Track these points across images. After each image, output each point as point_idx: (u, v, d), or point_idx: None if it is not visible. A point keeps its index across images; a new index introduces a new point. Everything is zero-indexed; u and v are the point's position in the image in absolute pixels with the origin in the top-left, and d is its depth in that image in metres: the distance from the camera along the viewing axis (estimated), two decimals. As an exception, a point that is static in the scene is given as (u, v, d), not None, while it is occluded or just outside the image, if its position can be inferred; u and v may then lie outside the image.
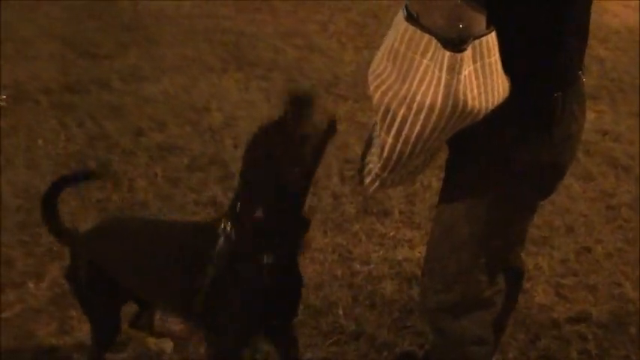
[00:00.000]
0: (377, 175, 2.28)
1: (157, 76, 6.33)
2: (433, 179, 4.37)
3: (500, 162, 2.25)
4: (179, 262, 2.64)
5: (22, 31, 7.40)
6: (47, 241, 3.95)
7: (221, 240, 2.47)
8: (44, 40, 7.15)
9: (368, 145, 2.41)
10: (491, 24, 1.97)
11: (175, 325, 3.42)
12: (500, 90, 2.05)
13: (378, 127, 2.20)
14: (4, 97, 5.76)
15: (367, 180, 2.35)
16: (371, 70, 2.15)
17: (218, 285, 2.52)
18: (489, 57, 1.99)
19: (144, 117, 5.52)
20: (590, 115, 4.90)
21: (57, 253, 3.84)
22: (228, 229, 2.46)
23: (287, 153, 2.35)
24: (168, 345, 3.31)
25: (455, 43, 1.91)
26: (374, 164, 2.29)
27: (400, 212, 4.35)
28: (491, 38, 1.98)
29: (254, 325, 2.66)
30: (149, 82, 6.20)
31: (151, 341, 3.31)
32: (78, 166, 4.81)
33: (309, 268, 3.78)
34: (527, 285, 3.59)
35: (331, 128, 2.38)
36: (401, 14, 2.03)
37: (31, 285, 3.70)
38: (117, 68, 6.46)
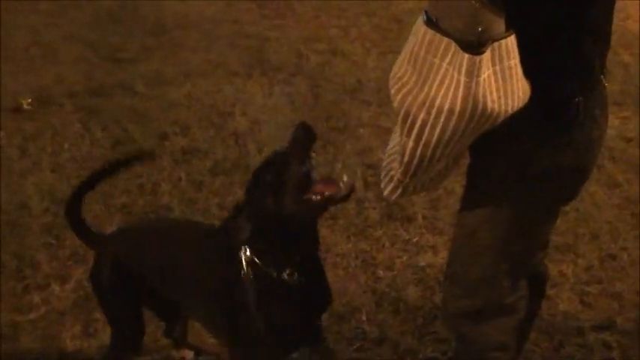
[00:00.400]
0: (399, 182, 2.27)
1: (181, 80, 6.36)
2: (456, 185, 4.35)
3: (521, 166, 2.25)
4: (204, 267, 2.67)
5: (47, 35, 7.46)
6: (72, 244, 3.97)
7: (243, 259, 2.51)
8: (69, 45, 7.21)
9: (389, 154, 2.41)
10: (510, 28, 1.98)
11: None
12: (521, 94, 2.04)
13: (398, 131, 2.19)
14: (30, 100, 5.81)
15: (389, 187, 2.34)
16: (392, 74, 2.15)
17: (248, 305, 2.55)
18: (509, 60, 1.99)
19: (168, 121, 5.55)
20: (614, 122, 4.88)
21: (82, 256, 3.87)
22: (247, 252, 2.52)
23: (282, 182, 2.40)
24: (188, 353, 3.31)
25: (473, 45, 1.92)
26: (395, 170, 2.28)
27: (424, 218, 4.34)
28: (511, 41, 1.98)
29: (282, 340, 2.65)
30: (173, 87, 6.22)
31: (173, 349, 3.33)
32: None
33: (332, 273, 3.77)
34: (551, 292, 3.57)
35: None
36: (421, 19, 2.03)
37: (55, 287, 3.72)
38: (141, 72, 6.50)
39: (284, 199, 2.38)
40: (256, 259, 2.49)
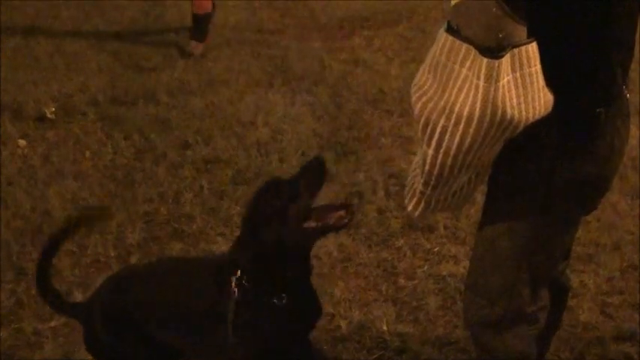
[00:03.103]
0: (421, 194, 2.28)
1: (204, 89, 6.38)
2: (478, 195, 4.29)
3: (542, 176, 2.24)
4: (197, 305, 2.67)
5: (71, 44, 7.50)
6: (94, 252, 4.00)
7: (234, 287, 2.52)
8: (92, 53, 7.25)
9: (413, 168, 2.41)
10: (532, 36, 1.98)
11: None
12: (542, 102, 2.04)
13: (420, 141, 2.20)
14: (53, 109, 5.84)
15: (412, 202, 2.35)
16: (414, 83, 2.16)
17: (237, 327, 2.55)
18: (529, 67, 1.99)
19: (190, 130, 5.57)
20: (637, 132, 4.85)
21: (104, 264, 3.89)
22: (238, 275, 2.53)
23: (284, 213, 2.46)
24: None
25: (492, 50, 1.93)
26: (418, 183, 2.28)
27: (445, 227, 4.33)
28: (532, 48, 1.98)
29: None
30: (196, 96, 6.24)
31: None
32: (125, 179, 4.86)
33: (353, 282, 3.78)
34: (572, 302, 3.55)
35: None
36: (442, 28, 2.05)
37: (78, 295, 3.73)
38: (164, 81, 6.52)
39: (286, 229, 2.44)
40: (246, 283, 2.51)
